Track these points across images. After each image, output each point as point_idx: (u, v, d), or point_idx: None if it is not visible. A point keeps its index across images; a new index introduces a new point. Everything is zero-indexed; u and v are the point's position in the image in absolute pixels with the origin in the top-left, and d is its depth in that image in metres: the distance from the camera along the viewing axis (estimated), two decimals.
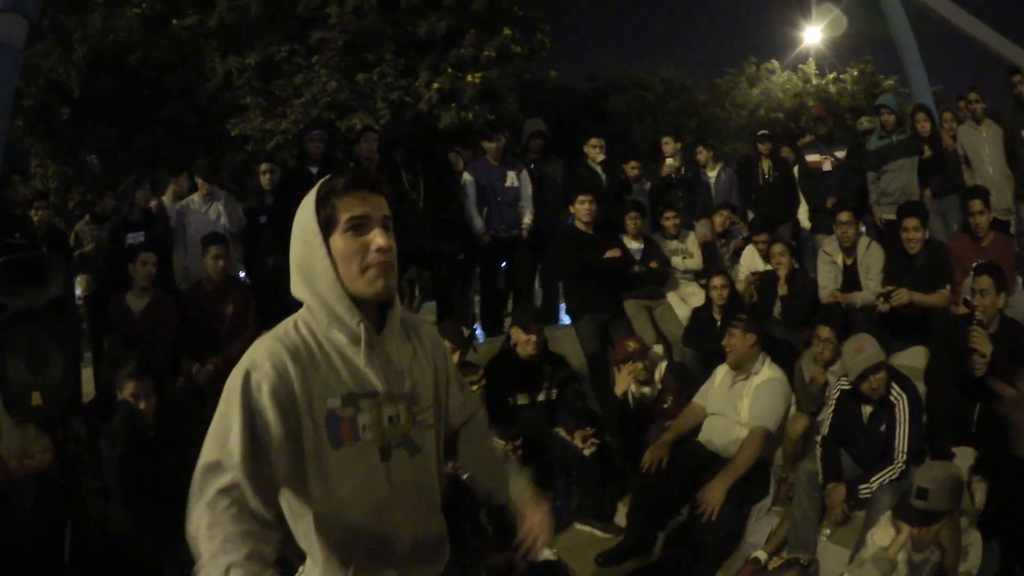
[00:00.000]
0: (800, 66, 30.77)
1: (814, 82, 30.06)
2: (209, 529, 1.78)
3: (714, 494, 4.63)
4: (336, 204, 1.89)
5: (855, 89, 28.02)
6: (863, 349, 4.55)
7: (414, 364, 2.06)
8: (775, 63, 31.16)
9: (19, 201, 6.62)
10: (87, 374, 6.84)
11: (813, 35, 28.08)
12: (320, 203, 1.90)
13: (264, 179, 7.38)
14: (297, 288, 1.95)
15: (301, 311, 1.96)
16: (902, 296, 5.69)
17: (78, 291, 7.32)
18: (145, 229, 6.73)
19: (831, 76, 30.08)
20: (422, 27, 18.29)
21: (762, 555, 4.63)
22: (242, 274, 7.66)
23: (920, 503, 3.55)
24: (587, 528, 5.33)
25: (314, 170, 7.02)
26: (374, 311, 1.97)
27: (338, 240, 1.88)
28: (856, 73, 29.60)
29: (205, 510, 1.80)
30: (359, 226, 1.88)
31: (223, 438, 1.80)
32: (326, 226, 1.89)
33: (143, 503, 4.45)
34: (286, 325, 1.94)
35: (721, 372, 5.30)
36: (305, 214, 1.92)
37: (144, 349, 5.50)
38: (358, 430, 1.90)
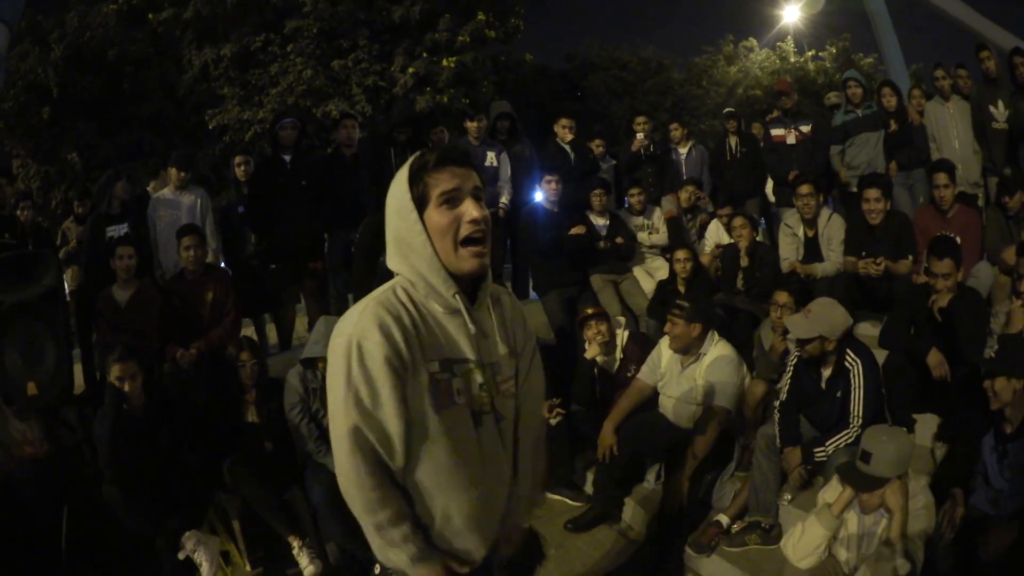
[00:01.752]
0: (778, 43, 30.87)
1: (792, 60, 30.16)
2: (368, 492, 1.94)
3: (682, 487, 4.87)
4: (427, 180, 1.96)
5: (833, 67, 28.14)
6: (811, 312, 4.62)
7: (499, 335, 2.15)
8: (753, 41, 31.34)
9: (5, 202, 6.73)
10: (76, 369, 7.02)
11: (792, 13, 27.99)
12: (412, 180, 1.97)
13: (239, 171, 7.50)
14: (393, 262, 2.04)
15: (399, 279, 2.04)
16: (879, 266, 5.79)
17: (68, 287, 7.43)
18: (128, 221, 6.85)
19: (810, 54, 30.20)
20: (396, 12, 18.39)
21: (724, 519, 4.74)
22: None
23: (863, 466, 3.59)
24: (558, 497, 5.52)
25: (287, 157, 7.20)
26: (467, 283, 2.04)
27: (433, 214, 1.95)
28: (835, 51, 29.72)
29: (360, 473, 1.92)
30: (452, 199, 1.95)
31: (356, 404, 1.89)
32: (420, 202, 1.96)
33: (133, 480, 4.60)
34: (387, 292, 2.00)
35: (667, 350, 5.36)
36: (399, 191, 2.00)
37: (131, 337, 5.63)
38: (453, 394, 1.99)
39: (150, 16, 19.73)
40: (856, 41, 29.75)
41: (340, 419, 1.92)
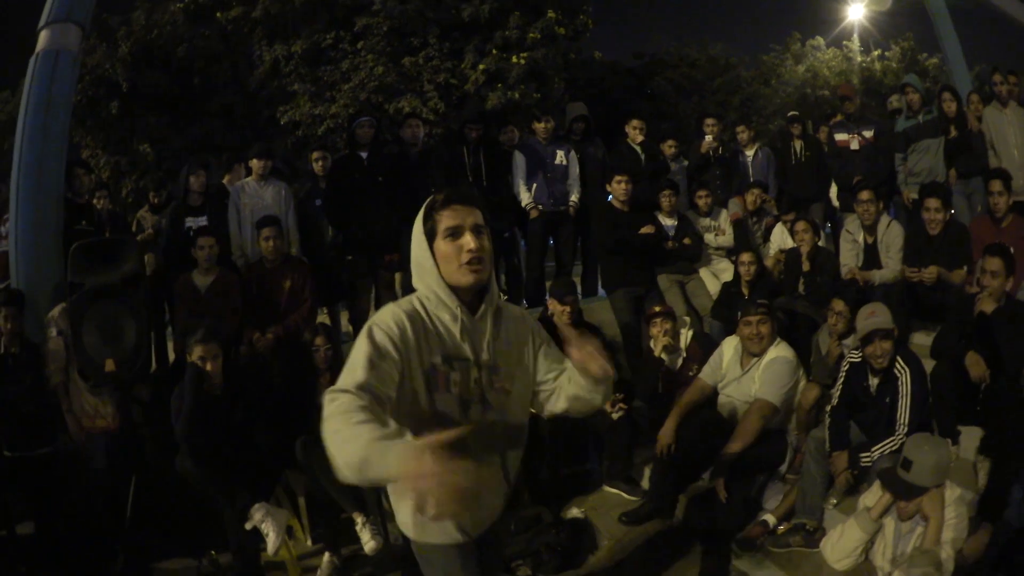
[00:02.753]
0: (844, 42, 30.32)
1: (858, 59, 29.61)
2: (336, 417, 2.00)
3: (717, 473, 4.98)
4: (436, 217, 2.40)
5: (899, 67, 27.56)
6: (875, 313, 4.69)
7: (499, 342, 2.55)
8: (820, 40, 30.80)
9: (84, 191, 7.05)
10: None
11: (856, 11, 27.32)
12: (426, 217, 2.42)
13: (317, 165, 7.87)
14: (414, 279, 2.49)
15: (418, 293, 2.49)
16: (932, 273, 5.75)
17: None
18: (207, 213, 7.16)
19: (876, 53, 29.60)
20: (465, 10, 18.53)
21: (771, 519, 4.85)
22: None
23: (904, 473, 3.65)
24: (614, 490, 5.66)
25: (364, 154, 7.45)
26: (472, 297, 2.48)
27: (440, 245, 2.39)
28: (899, 51, 29.10)
29: (334, 414, 1.99)
30: (454, 233, 2.37)
31: (351, 371, 2.18)
32: (430, 234, 2.41)
33: (208, 454, 4.86)
34: (410, 299, 2.47)
35: (729, 351, 5.46)
36: (417, 225, 2.45)
37: (211, 320, 5.88)
38: (449, 384, 2.41)
39: (218, 14, 20.13)
40: (919, 41, 29.11)
41: (345, 373, 2.20)
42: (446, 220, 2.38)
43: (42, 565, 5.00)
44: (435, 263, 2.42)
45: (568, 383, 2.63)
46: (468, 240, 2.37)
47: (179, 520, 5.27)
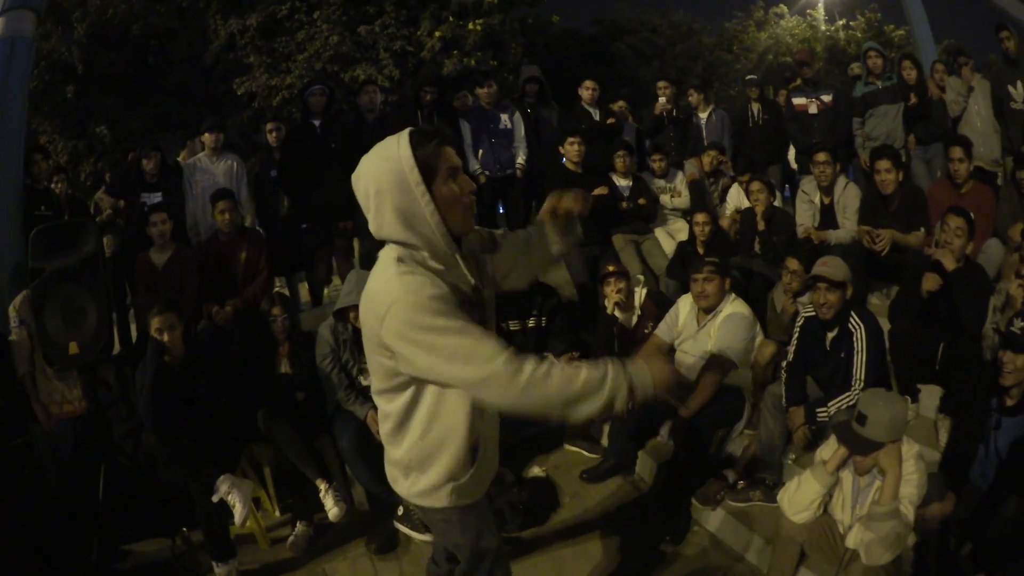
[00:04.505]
0: (809, 11, 30.46)
1: (823, 28, 29.77)
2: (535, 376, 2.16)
3: (676, 429, 5.06)
4: (436, 153, 2.22)
5: (864, 38, 27.72)
6: (827, 264, 4.76)
7: (482, 276, 2.52)
8: (783, 7, 30.90)
9: (42, 177, 7.00)
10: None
11: None
12: (419, 158, 2.19)
13: (271, 137, 7.79)
14: (392, 231, 2.25)
15: (394, 248, 2.31)
16: (885, 240, 5.79)
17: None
18: (162, 189, 7.14)
19: (840, 23, 29.77)
20: None
21: (730, 475, 4.93)
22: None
23: (859, 428, 3.67)
24: (575, 448, 5.77)
25: (317, 123, 7.41)
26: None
27: (442, 187, 2.22)
28: (864, 21, 29.29)
29: (529, 377, 2.13)
30: (454, 174, 2.25)
31: (473, 352, 2.13)
32: (428, 176, 2.20)
33: (172, 428, 4.85)
34: (393, 261, 2.28)
35: (685, 308, 5.50)
36: (403, 166, 2.18)
37: (169, 294, 5.89)
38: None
39: None
40: (886, 12, 29.32)
41: (463, 368, 2.14)
42: (450, 159, 2.25)
43: (18, 554, 4.96)
44: (436, 208, 2.22)
45: (508, 247, 2.69)
46: (466, 181, 2.29)
47: (150, 500, 5.28)
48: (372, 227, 2.31)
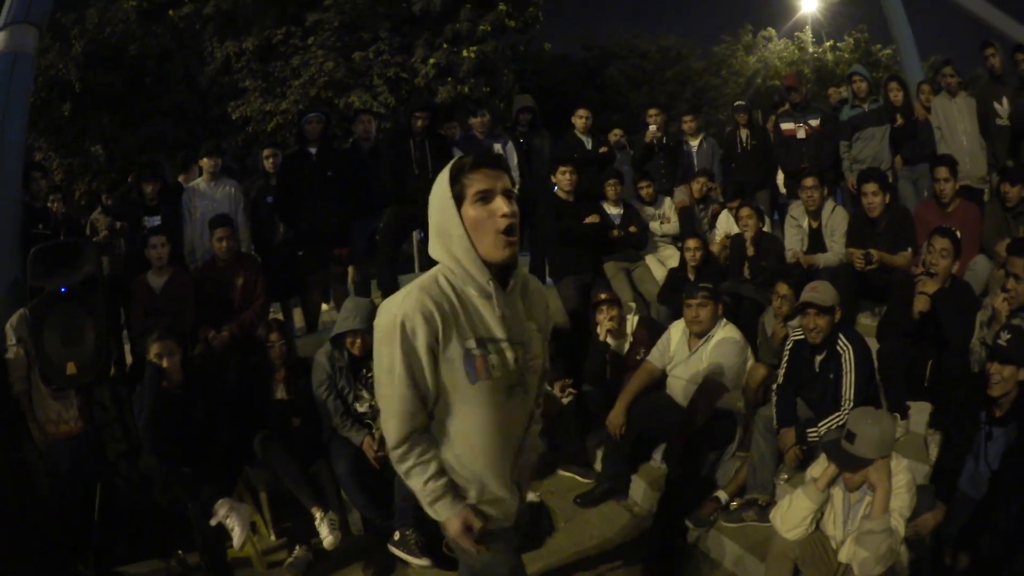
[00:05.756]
0: (796, 34, 30.72)
1: (811, 50, 30.01)
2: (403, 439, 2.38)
3: (671, 452, 5.11)
4: (464, 180, 2.26)
5: (852, 58, 27.98)
6: (816, 289, 4.84)
7: (527, 316, 2.51)
8: (771, 31, 31.17)
9: (40, 195, 7.05)
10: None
11: (810, 3, 27.96)
12: (453, 180, 2.28)
13: (268, 163, 7.91)
14: (435, 250, 2.36)
15: (441, 266, 2.37)
16: (870, 262, 5.86)
17: None
18: (161, 212, 7.17)
19: (828, 44, 30.03)
20: (416, 4, 18.50)
21: (723, 495, 4.96)
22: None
23: (848, 446, 3.71)
24: (568, 473, 5.78)
25: (313, 150, 7.45)
26: (498, 270, 2.35)
27: (468, 210, 2.26)
28: (852, 42, 29.54)
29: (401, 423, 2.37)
30: (485, 197, 2.25)
31: (403, 370, 2.27)
32: (458, 199, 2.26)
33: (170, 451, 4.90)
34: (432, 277, 2.35)
35: (677, 334, 5.58)
36: (440, 189, 2.30)
37: (167, 319, 5.96)
38: (488, 368, 2.32)
39: (170, 12, 19.92)
40: (873, 32, 29.58)
41: (385, 382, 2.33)
42: (476, 183, 2.26)
43: (12, 573, 4.98)
44: (465, 231, 2.27)
45: None
46: (501, 204, 2.26)
47: (146, 521, 5.27)
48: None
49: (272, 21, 19.05)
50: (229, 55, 19.39)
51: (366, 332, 5.18)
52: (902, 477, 3.69)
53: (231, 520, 4.72)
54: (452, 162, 2.33)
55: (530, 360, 2.48)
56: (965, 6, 13.89)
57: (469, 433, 2.40)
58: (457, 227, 2.26)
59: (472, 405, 2.35)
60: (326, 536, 4.94)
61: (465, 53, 18.31)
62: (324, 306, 8.24)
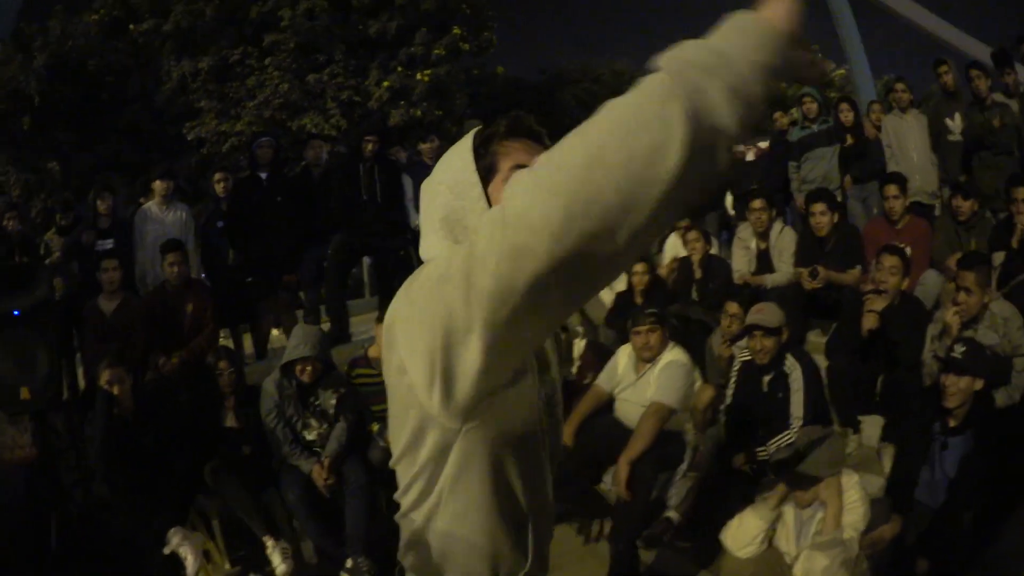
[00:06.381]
0: None
1: None
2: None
3: (618, 475, 4.96)
4: (498, 149, 1.55)
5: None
6: (762, 311, 4.92)
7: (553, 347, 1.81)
8: None
9: None
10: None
11: None
12: (479, 151, 1.56)
13: (219, 187, 7.86)
14: (438, 247, 1.57)
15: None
16: (818, 281, 6.01)
17: None
18: (114, 236, 7.18)
19: None
20: (373, 27, 18.58)
21: (674, 515, 4.97)
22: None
23: (797, 464, 3.86)
24: None
25: (263, 175, 7.48)
26: None
27: (501, 189, 1.41)
28: None
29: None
30: None
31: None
32: (485, 175, 1.54)
33: (122, 479, 4.87)
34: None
35: (624, 358, 5.54)
36: (460, 164, 1.58)
37: (118, 345, 5.93)
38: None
39: (131, 27, 19.80)
40: (827, 52, 30.00)
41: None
42: (517, 154, 1.53)
43: None
44: None
45: None
46: None
47: (101, 550, 5.17)
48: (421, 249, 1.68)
49: (229, 40, 19.02)
50: (185, 74, 19.30)
51: (316, 359, 5.17)
52: (854, 492, 3.77)
53: (184, 549, 4.70)
54: (476, 129, 1.62)
55: (556, 406, 1.77)
56: (919, 24, 14.18)
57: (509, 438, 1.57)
58: (483, 212, 1.46)
59: (514, 403, 1.53)
60: (278, 565, 4.90)
61: (419, 76, 18.39)
62: (274, 331, 8.19)
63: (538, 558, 1.69)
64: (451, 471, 1.49)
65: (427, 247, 1.61)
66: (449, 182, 1.58)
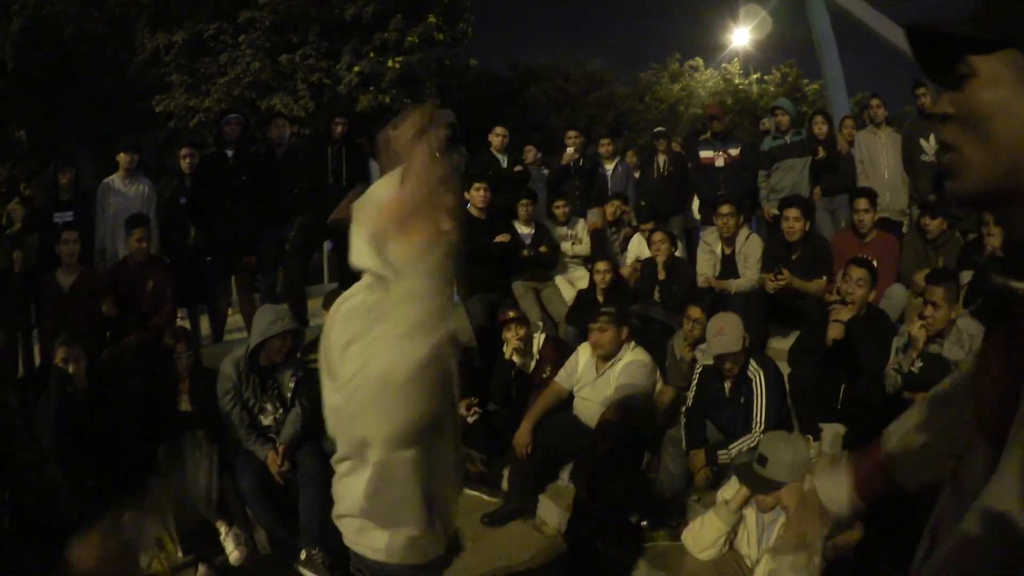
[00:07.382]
0: (724, 65, 31.33)
1: (736, 82, 30.63)
2: None
3: (579, 482, 5.08)
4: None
5: (778, 91, 28.62)
6: (723, 331, 4.87)
7: None
8: (699, 60, 31.71)
9: None
10: None
11: (742, 37, 28.43)
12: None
13: (184, 163, 7.71)
14: (369, 259, 1.70)
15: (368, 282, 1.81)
16: (781, 279, 6.01)
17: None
18: (74, 208, 7.04)
19: (754, 77, 30.70)
20: (349, 10, 18.44)
21: (634, 516, 5.01)
22: None
23: (760, 469, 3.79)
24: (474, 492, 5.74)
25: (230, 153, 7.37)
26: None
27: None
28: (779, 76, 30.27)
29: None
30: None
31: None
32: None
33: (75, 462, 4.77)
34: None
35: (585, 355, 5.56)
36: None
37: (74, 321, 5.78)
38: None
39: None
40: (804, 66, 30.35)
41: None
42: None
43: None
44: None
45: None
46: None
47: (54, 535, 5.07)
48: None
49: (206, 15, 18.80)
50: (159, 47, 19.03)
51: (298, 331, 5.19)
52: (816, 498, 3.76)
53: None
54: None
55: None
56: (894, 43, 14.32)
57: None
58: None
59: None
60: (231, 551, 4.86)
61: (390, 63, 18.28)
62: (228, 310, 8.08)
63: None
64: None
65: (362, 259, 1.76)
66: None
